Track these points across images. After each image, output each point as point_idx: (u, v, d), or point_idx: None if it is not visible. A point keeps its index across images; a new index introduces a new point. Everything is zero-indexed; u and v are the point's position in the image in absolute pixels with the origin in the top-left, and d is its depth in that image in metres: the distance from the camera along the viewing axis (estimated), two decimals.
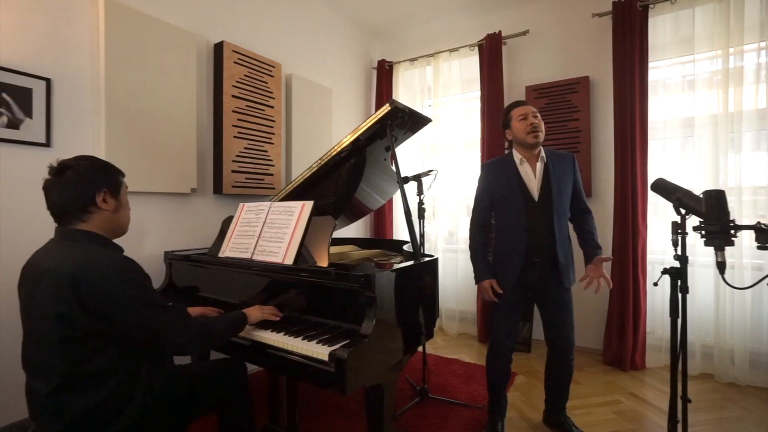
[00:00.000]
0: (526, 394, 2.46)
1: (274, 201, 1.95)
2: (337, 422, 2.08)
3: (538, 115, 1.91)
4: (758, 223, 1.22)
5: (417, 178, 2.30)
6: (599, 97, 3.16)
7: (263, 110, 2.80)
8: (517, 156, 1.93)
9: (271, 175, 2.87)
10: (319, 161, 1.96)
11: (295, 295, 1.58)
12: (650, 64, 2.87)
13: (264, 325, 1.52)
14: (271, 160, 2.87)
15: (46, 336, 1.06)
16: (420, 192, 2.31)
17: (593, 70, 3.17)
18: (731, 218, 1.27)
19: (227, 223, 1.99)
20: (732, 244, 1.27)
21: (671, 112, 2.86)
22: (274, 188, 2.88)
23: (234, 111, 2.60)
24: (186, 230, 2.43)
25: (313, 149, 3.22)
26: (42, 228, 1.80)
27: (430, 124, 2.14)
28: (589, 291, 1.92)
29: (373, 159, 2.07)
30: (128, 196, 1.32)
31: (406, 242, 2.31)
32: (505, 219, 1.93)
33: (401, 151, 3.58)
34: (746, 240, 2.52)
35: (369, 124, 1.78)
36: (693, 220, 1.35)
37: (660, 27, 2.87)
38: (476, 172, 3.54)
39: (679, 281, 1.38)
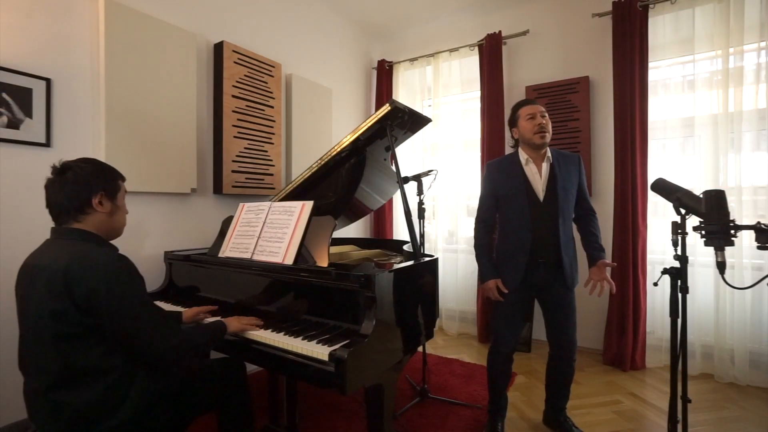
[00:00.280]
0: (526, 394, 2.46)
1: (274, 201, 1.95)
2: (337, 422, 2.08)
3: (546, 114, 1.89)
4: (758, 223, 1.22)
5: (417, 178, 2.30)
6: (599, 97, 3.16)
7: (263, 110, 2.80)
8: (522, 155, 1.92)
9: (271, 175, 2.87)
10: (319, 161, 1.96)
11: (295, 295, 1.58)
12: (650, 64, 2.87)
13: (264, 324, 1.52)
14: (271, 160, 2.87)
15: (41, 333, 1.07)
16: (420, 192, 2.31)
17: (593, 70, 3.17)
18: (731, 218, 1.27)
19: (227, 223, 1.99)
20: (732, 244, 1.27)
21: (671, 112, 2.86)
22: (274, 188, 2.88)
23: (234, 111, 2.60)
24: (186, 230, 2.43)
25: (313, 149, 3.22)
26: (42, 228, 1.79)
27: (430, 124, 2.14)
28: (589, 291, 1.92)
29: (373, 159, 2.07)
30: (129, 197, 1.33)
31: (406, 242, 2.31)
32: (509, 219, 1.92)
33: (401, 151, 3.58)
34: (746, 240, 2.52)
35: (369, 124, 1.78)
36: (693, 220, 1.35)
37: (660, 27, 2.87)
38: (476, 172, 3.57)
39: (679, 281, 1.38)
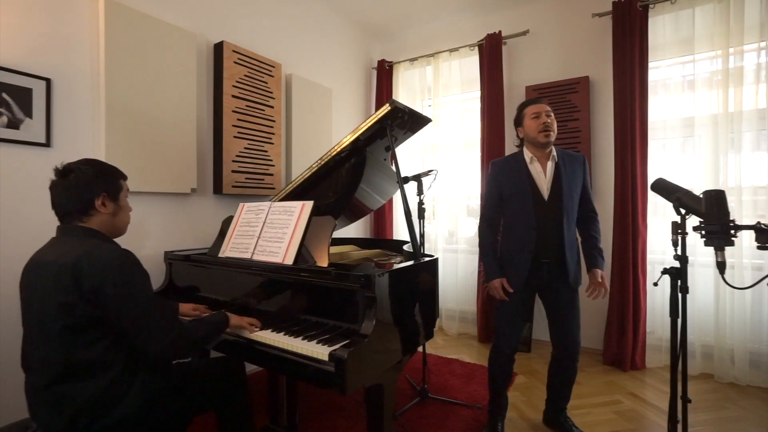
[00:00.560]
0: (526, 394, 2.46)
1: (274, 201, 1.95)
2: (337, 422, 2.08)
3: (552, 114, 1.88)
4: (758, 223, 1.21)
5: (417, 178, 2.30)
6: (599, 97, 3.16)
7: (263, 110, 2.80)
8: (527, 154, 1.91)
9: (271, 175, 2.87)
10: (319, 161, 1.96)
11: (295, 295, 1.58)
12: (650, 64, 2.87)
13: (264, 324, 1.52)
14: (271, 160, 2.87)
15: (46, 326, 1.09)
16: (420, 192, 2.31)
17: (593, 70, 3.17)
18: (731, 218, 1.27)
19: (227, 223, 1.99)
20: (732, 244, 1.26)
21: (671, 112, 2.86)
22: (274, 188, 2.88)
23: (234, 111, 2.60)
24: (186, 230, 2.43)
25: (313, 149, 3.22)
26: (42, 227, 1.80)
27: (430, 124, 2.14)
28: (587, 295, 1.92)
29: (373, 159, 2.07)
30: (129, 197, 1.35)
31: (406, 242, 2.31)
32: (513, 217, 1.92)
33: (401, 151, 3.58)
34: (746, 240, 2.52)
35: (369, 124, 1.78)
36: (693, 220, 1.34)
37: (660, 27, 2.87)
38: (476, 172, 3.56)
39: (679, 281, 1.38)
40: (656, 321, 2.87)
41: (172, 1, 2.35)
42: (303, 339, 1.37)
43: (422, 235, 2.36)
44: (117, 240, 1.28)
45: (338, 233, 2.66)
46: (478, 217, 3.48)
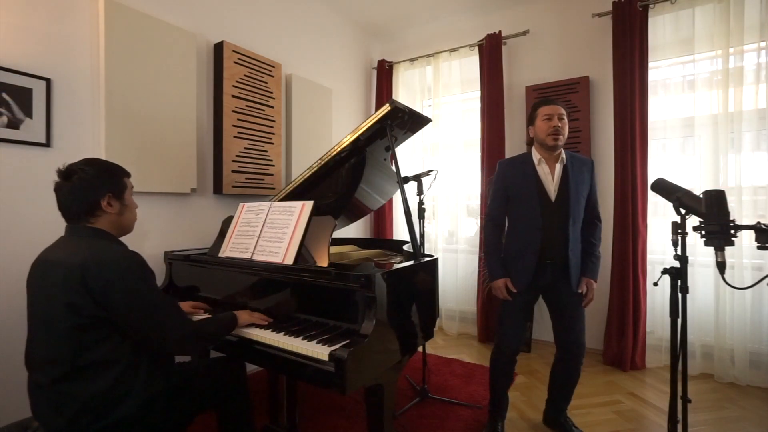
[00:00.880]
0: (527, 394, 2.46)
1: (274, 201, 1.95)
2: (337, 422, 2.08)
3: (565, 117, 1.85)
4: (758, 223, 1.21)
5: (417, 178, 2.30)
6: (599, 97, 3.16)
7: (263, 110, 2.80)
8: (535, 155, 1.90)
9: (271, 175, 2.87)
10: (319, 161, 1.96)
11: (295, 295, 1.58)
12: (650, 64, 2.86)
13: (265, 324, 1.52)
14: (271, 160, 2.87)
15: (53, 326, 1.10)
16: (420, 192, 2.31)
17: (593, 70, 3.17)
18: (731, 218, 1.27)
19: (227, 223, 1.99)
20: (732, 244, 1.26)
21: (671, 112, 2.86)
22: (274, 188, 2.88)
23: (234, 111, 2.60)
24: (186, 230, 2.43)
25: (313, 149, 3.22)
26: (42, 227, 1.80)
27: (430, 124, 2.13)
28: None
29: (373, 159, 2.07)
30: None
31: (406, 242, 2.31)
32: (519, 217, 1.91)
33: (401, 151, 3.58)
34: (746, 240, 2.52)
35: (369, 124, 1.78)
36: (693, 220, 1.34)
37: (660, 27, 2.87)
38: (476, 172, 3.56)
39: (679, 281, 1.38)
40: (656, 321, 2.87)
41: (172, 1, 2.35)
42: (303, 339, 1.37)
43: (422, 235, 2.36)
44: (123, 238, 1.30)
45: (338, 233, 2.66)
46: (479, 217, 3.52)
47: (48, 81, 1.83)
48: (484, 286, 3.31)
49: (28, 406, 1.17)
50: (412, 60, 3.91)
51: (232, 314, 1.45)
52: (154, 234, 2.25)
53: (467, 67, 3.67)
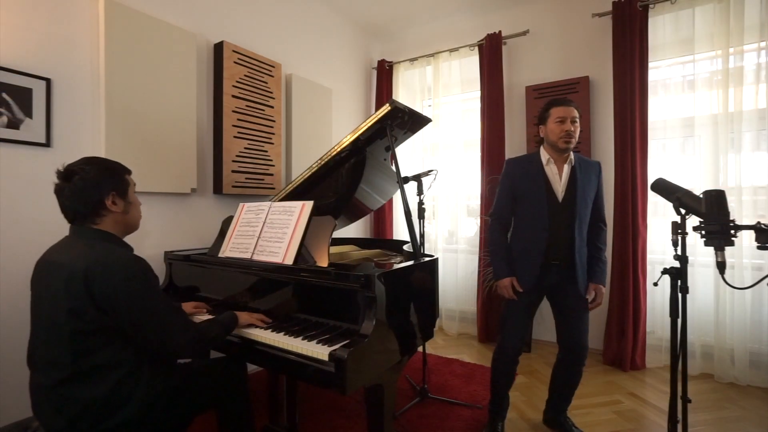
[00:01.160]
0: (527, 394, 2.46)
1: (274, 201, 1.95)
2: (337, 422, 2.08)
3: (577, 120, 1.83)
4: (758, 223, 1.21)
5: (417, 178, 2.30)
6: (599, 97, 3.16)
7: (263, 110, 2.80)
8: (544, 155, 1.89)
9: (271, 175, 2.87)
10: (319, 161, 1.96)
11: (295, 295, 1.58)
12: (650, 64, 2.86)
13: (265, 324, 1.52)
14: (271, 160, 2.87)
15: (57, 330, 1.09)
16: (420, 192, 2.31)
17: (593, 70, 3.17)
18: (731, 218, 1.27)
19: (227, 223, 1.99)
20: (732, 244, 1.26)
21: (671, 112, 2.86)
22: (274, 188, 2.88)
23: (234, 111, 2.60)
24: (186, 230, 2.43)
25: (313, 149, 3.22)
26: (42, 227, 1.80)
27: (430, 124, 2.13)
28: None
29: (373, 159, 2.07)
30: None
31: (406, 242, 2.31)
32: (526, 217, 1.90)
33: (401, 151, 3.58)
34: (746, 240, 2.52)
35: (369, 124, 1.78)
36: (693, 220, 1.34)
37: (660, 27, 2.87)
38: (476, 172, 3.56)
39: (679, 281, 1.38)
40: (656, 321, 2.87)
41: (172, 1, 2.35)
42: (303, 339, 1.36)
43: (422, 235, 2.36)
44: (127, 238, 1.29)
45: (338, 233, 2.66)
46: (479, 217, 3.51)
47: (48, 81, 1.83)
48: (485, 286, 3.31)
49: (29, 405, 1.17)
50: (412, 60, 3.91)
51: (233, 314, 1.45)
52: (154, 234, 2.25)
53: (467, 67, 3.67)
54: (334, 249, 2.21)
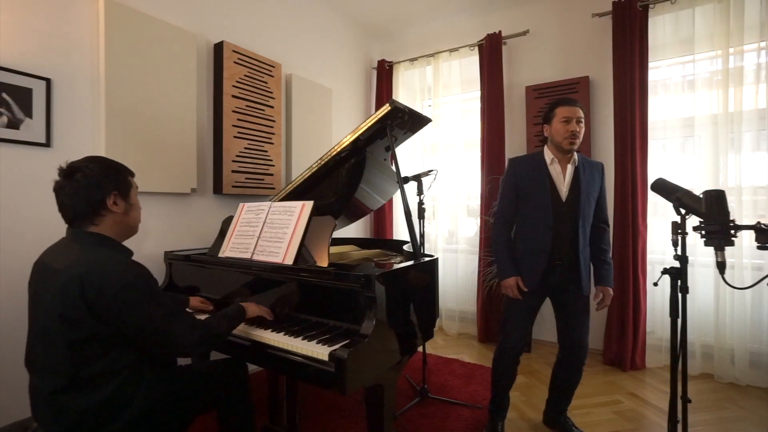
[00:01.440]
0: (527, 394, 2.46)
1: (274, 201, 1.95)
2: (337, 422, 2.08)
3: (583, 120, 1.82)
4: (758, 223, 1.22)
5: (417, 178, 2.30)
6: (599, 97, 3.16)
7: (263, 110, 2.80)
8: (548, 155, 1.89)
9: (271, 175, 2.87)
10: (319, 161, 1.96)
11: (295, 295, 1.58)
12: (650, 64, 2.86)
13: (264, 325, 1.52)
14: (271, 160, 2.87)
15: (52, 337, 1.07)
16: (420, 192, 2.31)
17: (593, 70, 3.17)
18: (731, 218, 1.27)
19: (227, 223, 1.99)
20: (732, 244, 1.27)
21: (671, 112, 2.86)
22: (274, 188, 2.88)
23: (234, 111, 2.60)
24: (186, 230, 2.43)
25: (313, 149, 3.22)
26: (42, 228, 1.80)
27: (430, 124, 2.13)
28: (595, 307, 1.93)
29: (373, 159, 2.07)
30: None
31: (406, 242, 2.31)
32: (529, 216, 1.90)
33: (401, 151, 3.58)
34: (746, 240, 2.52)
35: (369, 124, 1.78)
36: (693, 220, 1.35)
37: (660, 27, 2.87)
38: (476, 172, 3.56)
39: (679, 281, 1.38)
40: (656, 321, 2.87)
41: (172, 1, 2.35)
42: (303, 339, 1.36)
43: (422, 235, 2.36)
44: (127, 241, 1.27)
45: (338, 233, 2.66)
46: (479, 217, 3.51)
47: (48, 81, 1.83)
48: (485, 286, 3.31)
49: (29, 406, 1.17)
50: (412, 60, 3.91)
51: (240, 306, 1.42)
52: (154, 234, 2.25)
53: (467, 67, 3.67)
54: (334, 249, 2.21)
